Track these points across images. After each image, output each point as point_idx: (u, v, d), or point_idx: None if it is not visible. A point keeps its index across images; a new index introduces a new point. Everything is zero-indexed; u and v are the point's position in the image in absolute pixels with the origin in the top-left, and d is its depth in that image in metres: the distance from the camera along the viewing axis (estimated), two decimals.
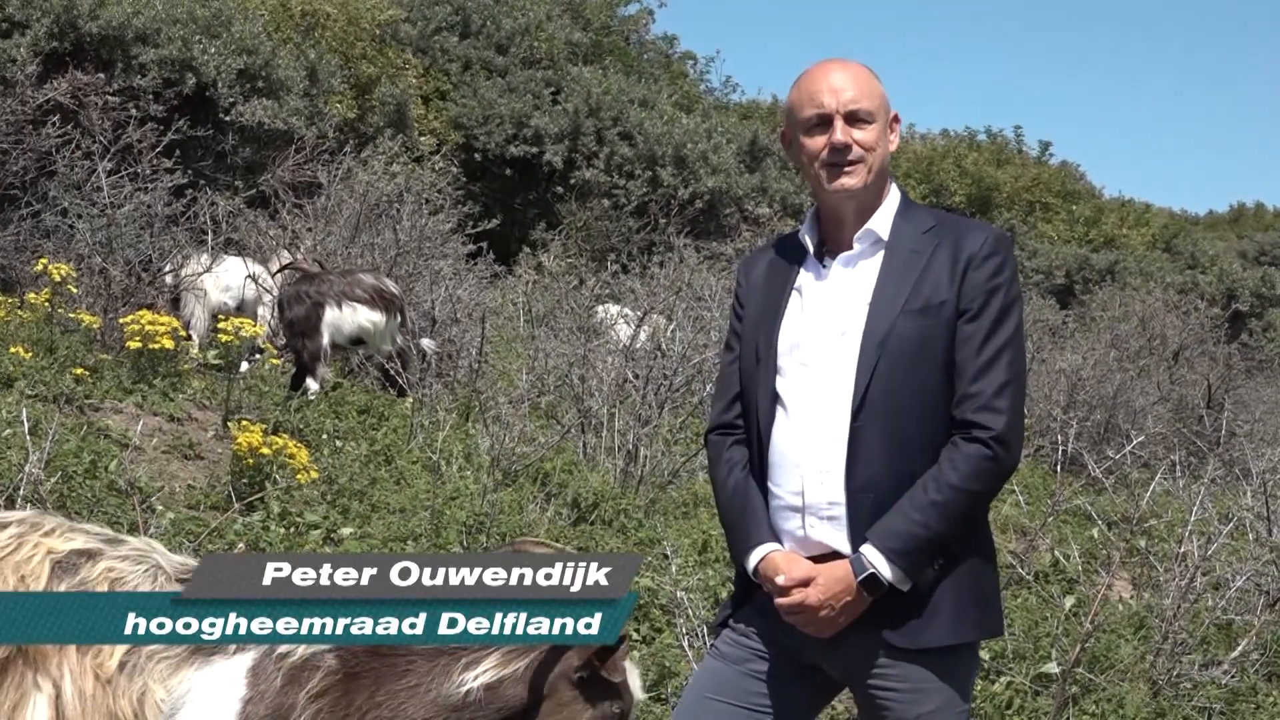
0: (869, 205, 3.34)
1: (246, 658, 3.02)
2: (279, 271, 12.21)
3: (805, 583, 3.19)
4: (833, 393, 3.24)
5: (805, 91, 3.33)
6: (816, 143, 3.30)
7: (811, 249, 3.40)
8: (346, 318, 10.80)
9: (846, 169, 3.28)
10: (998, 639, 5.95)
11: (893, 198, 3.38)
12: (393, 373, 10.93)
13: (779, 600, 3.22)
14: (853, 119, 3.28)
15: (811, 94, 3.31)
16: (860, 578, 3.14)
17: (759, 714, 3.35)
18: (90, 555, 3.15)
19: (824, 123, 3.29)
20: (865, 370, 3.21)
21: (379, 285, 11.15)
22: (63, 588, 3.07)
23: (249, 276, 12.84)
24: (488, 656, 3.03)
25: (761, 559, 3.28)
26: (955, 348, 3.21)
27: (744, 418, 3.43)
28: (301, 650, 3.02)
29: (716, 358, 10.43)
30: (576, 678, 3.03)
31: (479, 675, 3.01)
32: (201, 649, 3.03)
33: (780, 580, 3.22)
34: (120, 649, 3.02)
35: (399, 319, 11.20)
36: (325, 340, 10.71)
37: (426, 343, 11.74)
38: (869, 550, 3.15)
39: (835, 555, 3.20)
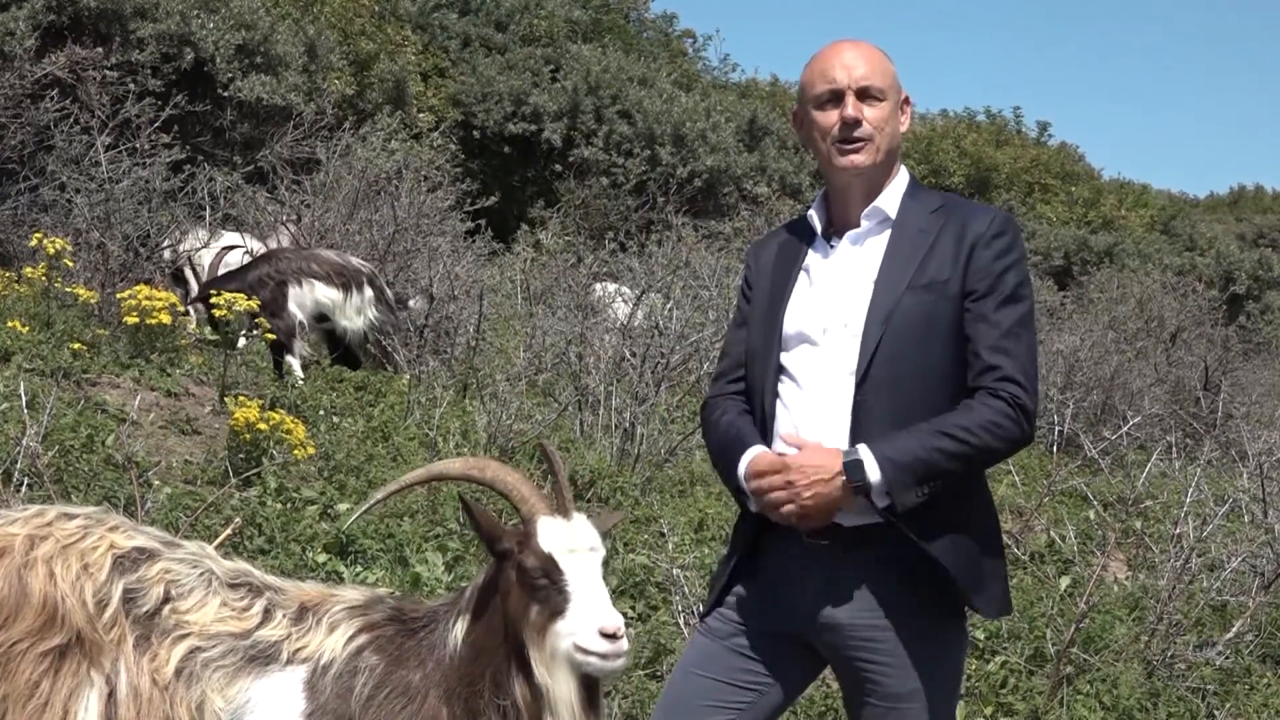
0: (877, 184, 3.36)
1: (301, 670, 3.10)
2: (221, 254, 11.92)
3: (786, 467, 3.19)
4: (837, 367, 3.27)
5: (817, 68, 3.36)
6: (828, 118, 3.33)
7: (819, 229, 3.43)
8: (306, 294, 10.70)
9: (856, 145, 3.30)
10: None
11: (901, 178, 3.41)
12: (375, 352, 10.86)
13: (757, 483, 3.23)
14: (864, 95, 3.30)
15: (824, 70, 3.34)
16: (846, 459, 3.14)
17: (745, 690, 3.38)
18: (150, 555, 3.22)
19: (835, 98, 3.32)
20: (869, 345, 3.23)
21: (340, 262, 10.99)
22: (122, 583, 3.15)
23: (247, 252, 12.80)
24: (459, 610, 3.11)
25: (752, 460, 3.28)
26: (967, 325, 3.23)
27: (749, 395, 3.45)
28: (339, 656, 3.09)
29: (714, 336, 10.43)
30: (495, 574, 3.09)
31: (455, 626, 3.08)
32: (256, 658, 3.10)
33: (766, 458, 3.24)
34: (178, 653, 3.08)
35: (368, 295, 11.03)
36: (297, 317, 10.60)
37: (414, 304, 11.70)
38: (862, 446, 3.16)
39: (836, 526, 3.22)
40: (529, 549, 3.02)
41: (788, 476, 3.16)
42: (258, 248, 12.93)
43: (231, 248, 11.92)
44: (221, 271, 11.29)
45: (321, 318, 10.96)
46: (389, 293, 11.38)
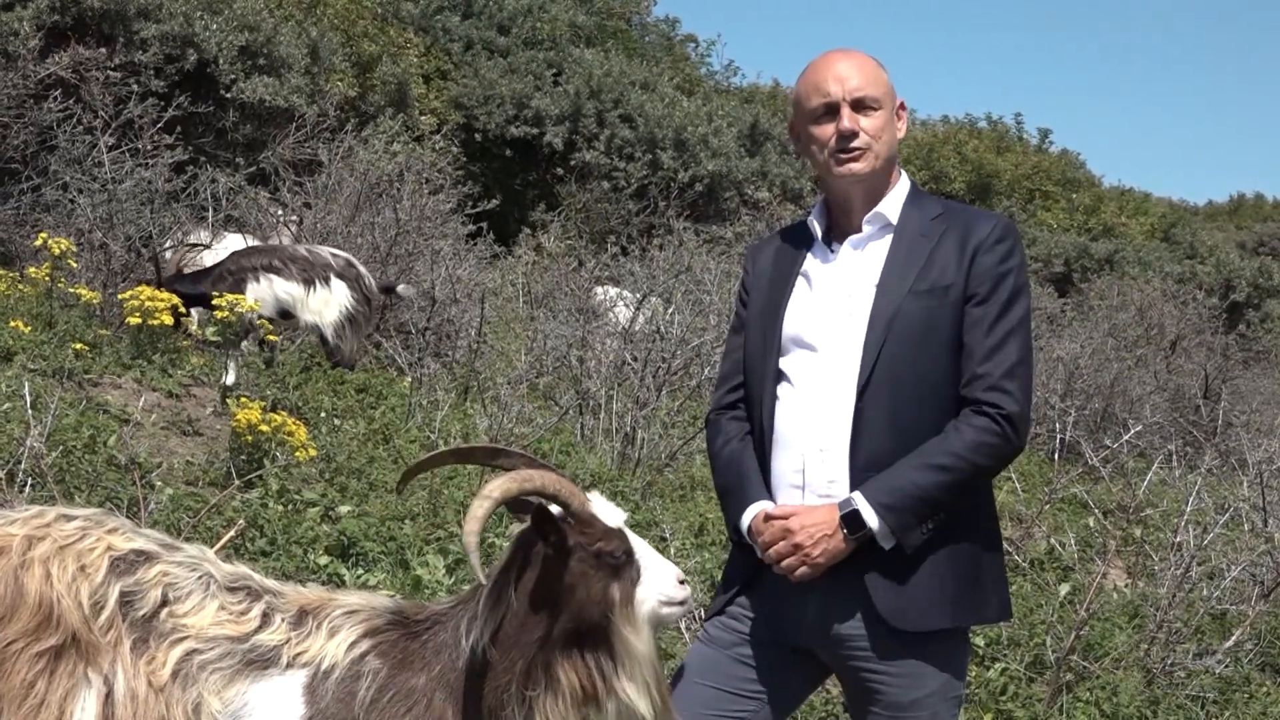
0: (877, 191, 3.37)
1: (301, 674, 3.09)
2: (183, 253, 11.73)
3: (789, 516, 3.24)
4: (837, 373, 3.27)
5: (811, 82, 3.36)
6: (824, 131, 3.33)
7: (819, 234, 3.43)
8: (264, 290, 10.51)
9: (854, 154, 3.31)
10: (993, 625, 5.97)
11: (902, 185, 3.41)
12: (333, 346, 10.63)
13: (765, 547, 3.27)
14: (859, 106, 3.31)
15: (817, 84, 3.34)
16: (842, 513, 3.17)
17: (746, 698, 3.39)
18: (148, 557, 3.21)
19: (831, 111, 3.32)
20: (871, 351, 3.23)
21: (306, 257, 10.77)
22: (119, 585, 3.13)
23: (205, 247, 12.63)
24: (475, 610, 3.09)
25: (754, 516, 3.32)
26: (964, 330, 3.24)
27: (747, 402, 3.46)
28: (341, 661, 3.08)
29: (715, 341, 10.43)
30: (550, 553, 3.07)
31: (474, 626, 3.07)
32: (254, 662, 3.09)
33: (766, 512, 3.28)
34: (175, 655, 3.08)
35: (336, 287, 10.70)
36: (252, 315, 10.36)
37: (403, 289, 11.63)
38: (857, 496, 3.18)
39: None
40: (602, 534, 3.08)
41: (794, 540, 3.20)
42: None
43: (194, 245, 11.82)
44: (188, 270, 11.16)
45: (286, 314, 10.76)
46: (369, 281, 11.02)
